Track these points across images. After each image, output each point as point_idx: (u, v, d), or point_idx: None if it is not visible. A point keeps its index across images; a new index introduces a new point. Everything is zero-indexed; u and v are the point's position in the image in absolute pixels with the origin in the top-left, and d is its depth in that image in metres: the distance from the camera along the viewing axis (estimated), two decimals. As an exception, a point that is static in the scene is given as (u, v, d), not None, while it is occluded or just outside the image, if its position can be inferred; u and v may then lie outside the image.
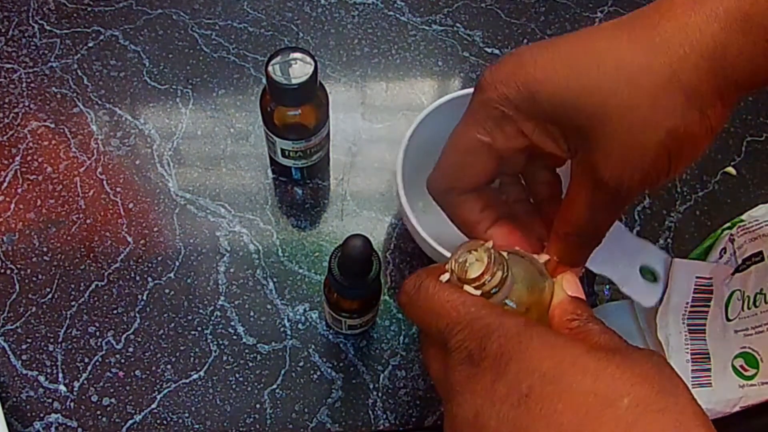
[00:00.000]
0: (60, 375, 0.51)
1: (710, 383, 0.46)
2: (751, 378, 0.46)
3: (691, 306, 0.46)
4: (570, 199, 0.34)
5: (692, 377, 0.46)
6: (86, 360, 0.51)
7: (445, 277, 0.32)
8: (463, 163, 0.35)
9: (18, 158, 0.58)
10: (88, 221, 0.56)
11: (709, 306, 0.47)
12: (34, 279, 0.54)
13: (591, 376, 0.25)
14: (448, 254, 0.47)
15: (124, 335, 0.52)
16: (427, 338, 0.33)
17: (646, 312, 0.49)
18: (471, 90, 0.36)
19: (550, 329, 0.29)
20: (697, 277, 0.46)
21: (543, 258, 0.36)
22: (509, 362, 0.27)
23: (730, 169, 0.62)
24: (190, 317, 0.53)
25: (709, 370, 0.46)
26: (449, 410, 0.29)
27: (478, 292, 0.31)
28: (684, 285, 0.46)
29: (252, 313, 0.54)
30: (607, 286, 0.53)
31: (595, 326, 0.30)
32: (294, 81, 0.46)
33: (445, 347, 0.30)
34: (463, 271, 0.32)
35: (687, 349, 0.46)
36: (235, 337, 0.53)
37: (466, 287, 0.32)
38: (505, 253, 0.33)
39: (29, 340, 0.52)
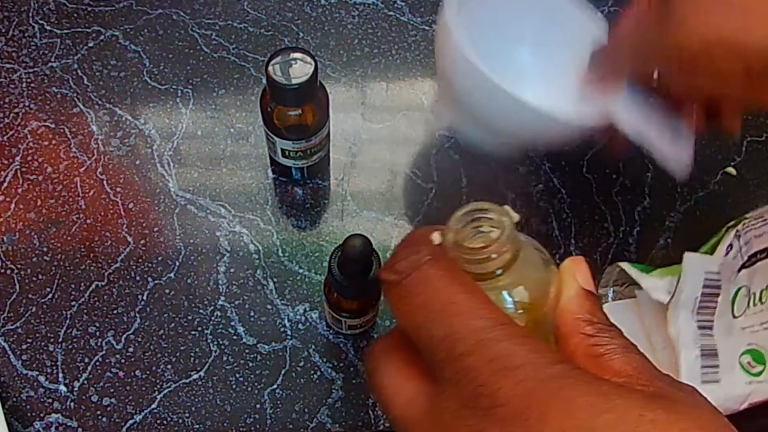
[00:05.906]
0: (60, 375, 0.51)
1: (718, 380, 0.46)
2: (758, 375, 0.46)
3: (700, 302, 0.46)
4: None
5: (701, 373, 0.45)
6: (86, 360, 0.51)
7: (437, 238, 0.24)
8: None
9: (18, 158, 0.58)
10: (88, 221, 0.56)
11: (716, 302, 0.47)
12: (34, 279, 0.54)
13: None
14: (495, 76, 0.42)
15: (124, 335, 0.52)
16: (399, 349, 0.24)
17: (655, 308, 0.48)
18: None
19: (588, 372, 0.21)
20: (706, 272, 0.46)
21: None
22: (544, 418, 0.19)
23: (731, 169, 0.62)
24: (190, 317, 0.53)
25: (717, 366, 0.46)
26: None
27: (473, 269, 0.24)
28: (695, 280, 0.46)
29: (252, 313, 0.53)
30: (612, 289, 0.53)
31: (615, 341, 0.23)
32: (294, 81, 0.46)
33: (434, 372, 0.22)
34: (464, 236, 0.24)
35: (697, 344, 0.46)
36: (235, 337, 0.53)
37: (461, 258, 0.24)
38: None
39: (29, 340, 0.52)
